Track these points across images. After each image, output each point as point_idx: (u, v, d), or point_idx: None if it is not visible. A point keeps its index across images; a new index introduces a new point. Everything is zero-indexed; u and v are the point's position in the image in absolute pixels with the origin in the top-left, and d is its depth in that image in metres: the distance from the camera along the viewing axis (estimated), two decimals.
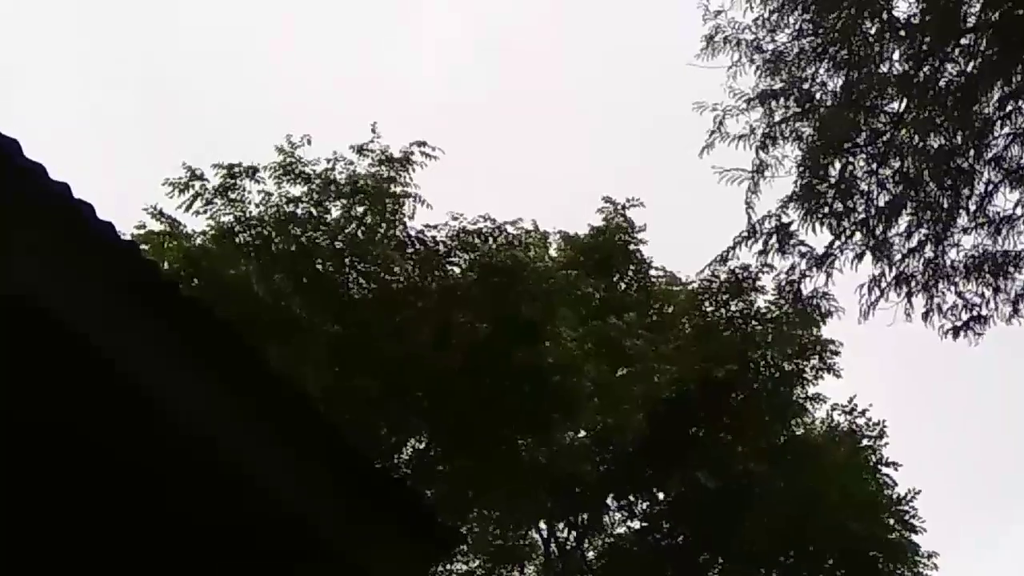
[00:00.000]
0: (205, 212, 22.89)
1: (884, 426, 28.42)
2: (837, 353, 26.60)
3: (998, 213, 15.43)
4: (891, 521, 27.59)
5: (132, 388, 5.32)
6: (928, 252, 15.72)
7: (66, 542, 6.20)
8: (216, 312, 5.67)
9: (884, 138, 15.62)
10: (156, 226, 22.86)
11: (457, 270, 23.77)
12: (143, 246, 22.48)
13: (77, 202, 4.80)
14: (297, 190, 23.30)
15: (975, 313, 15.82)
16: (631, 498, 28.23)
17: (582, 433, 24.74)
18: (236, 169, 23.03)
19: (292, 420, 5.96)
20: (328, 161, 23.54)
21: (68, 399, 5.54)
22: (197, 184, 22.83)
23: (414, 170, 23.58)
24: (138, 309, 5.20)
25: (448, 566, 27.72)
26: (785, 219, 15.69)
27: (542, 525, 28.69)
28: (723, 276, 25.88)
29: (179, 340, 5.38)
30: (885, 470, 28.07)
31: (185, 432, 5.63)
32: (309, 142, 23.53)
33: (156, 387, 5.38)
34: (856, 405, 28.47)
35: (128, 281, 5.12)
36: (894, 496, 27.83)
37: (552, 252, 26.55)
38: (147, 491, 6.05)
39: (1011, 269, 15.62)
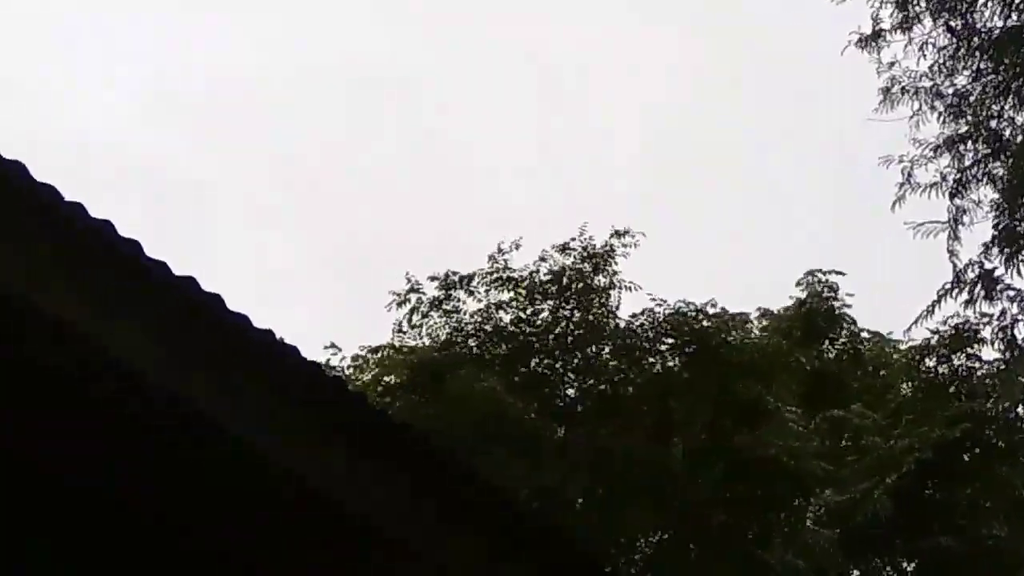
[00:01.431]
0: (422, 326, 23.46)
1: None
2: None
3: None
4: None
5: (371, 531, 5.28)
6: None
7: None
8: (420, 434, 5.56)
9: None
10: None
11: (667, 357, 23.59)
12: (343, 368, 23.21)
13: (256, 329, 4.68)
14: (506, 295, 23.61)
15: None
16: (877, 563, 27.26)
17: (814, 508, 24.01)
18: (451, 279, 23.48)
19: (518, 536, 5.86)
20: (533, 264, 23.76)
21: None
22: (414, 297, 23.35)
23: (616, 262, 23.69)
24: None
25: None
26: (988, 265, 15.27)
27: None
28: (942, 331, 25.08)
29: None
30: None
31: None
32: (518, 247, 23.79)
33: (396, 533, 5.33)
34: None
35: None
36: None
37: (755, 331, 25.91)
38: None
39: None
